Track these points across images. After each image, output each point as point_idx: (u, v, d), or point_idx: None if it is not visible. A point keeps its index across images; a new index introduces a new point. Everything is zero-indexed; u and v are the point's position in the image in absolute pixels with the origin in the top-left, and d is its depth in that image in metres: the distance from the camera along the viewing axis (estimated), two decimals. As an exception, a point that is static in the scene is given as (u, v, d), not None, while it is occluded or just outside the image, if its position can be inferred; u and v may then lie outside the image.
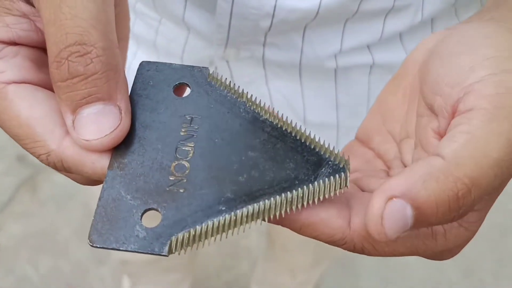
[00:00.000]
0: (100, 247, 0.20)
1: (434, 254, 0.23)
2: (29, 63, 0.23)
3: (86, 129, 0.21)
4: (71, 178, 0.26)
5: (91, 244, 0.20)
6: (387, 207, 0.19)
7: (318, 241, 0.22)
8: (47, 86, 0.23)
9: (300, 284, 0.98)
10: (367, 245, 0.21)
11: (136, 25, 0.45)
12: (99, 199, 0.21)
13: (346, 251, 0.22)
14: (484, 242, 1.17)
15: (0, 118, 0.23)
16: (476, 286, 1.19)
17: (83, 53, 0.20)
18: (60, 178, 1.34)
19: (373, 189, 0.23)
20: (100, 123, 0.21)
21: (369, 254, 0.22)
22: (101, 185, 0.26)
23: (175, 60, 0.43)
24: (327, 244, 0.22)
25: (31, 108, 0.22)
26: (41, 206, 1.29)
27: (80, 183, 0.26)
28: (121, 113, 0.22)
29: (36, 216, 1.27)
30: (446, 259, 0.24)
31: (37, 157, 0.22)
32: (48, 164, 0.22)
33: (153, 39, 0.44)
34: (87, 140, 0.21)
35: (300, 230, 0.21)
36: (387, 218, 0.19)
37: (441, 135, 0.22)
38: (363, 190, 0.24)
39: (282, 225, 0.21)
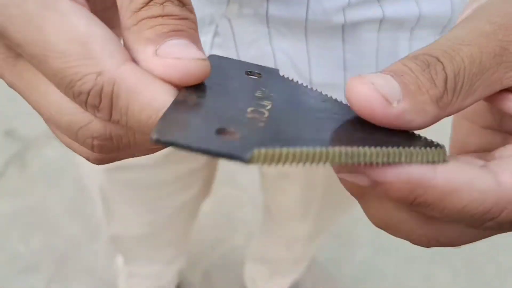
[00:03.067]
0: (165, 142, 0.16)
1: None
2: None
3: (177, 49, 0.19)
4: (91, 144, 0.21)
5: (155, 138, 0.16)
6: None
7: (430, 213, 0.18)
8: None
9: (297, 257, 0.97)
10: None
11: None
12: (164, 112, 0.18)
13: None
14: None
15: (41, 29, 0.18)
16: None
17: (178, 3, 0.20)
18: (50, 153, 1.31)
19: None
20: (192, 50, 0.19)
21: None
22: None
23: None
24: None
25: (89, 26, 0.19)
26: (31, 182, 1.27)
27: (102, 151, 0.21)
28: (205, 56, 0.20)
29: (26, 193, 1.25)
30: None
31: (79, 79, 0.18)
32: (91, 89, 0.18)
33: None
34: (177, 58, 0.19)
35: (441, 201, 0.18)
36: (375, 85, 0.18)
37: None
38: None
39: (416, 202, 0.18)
